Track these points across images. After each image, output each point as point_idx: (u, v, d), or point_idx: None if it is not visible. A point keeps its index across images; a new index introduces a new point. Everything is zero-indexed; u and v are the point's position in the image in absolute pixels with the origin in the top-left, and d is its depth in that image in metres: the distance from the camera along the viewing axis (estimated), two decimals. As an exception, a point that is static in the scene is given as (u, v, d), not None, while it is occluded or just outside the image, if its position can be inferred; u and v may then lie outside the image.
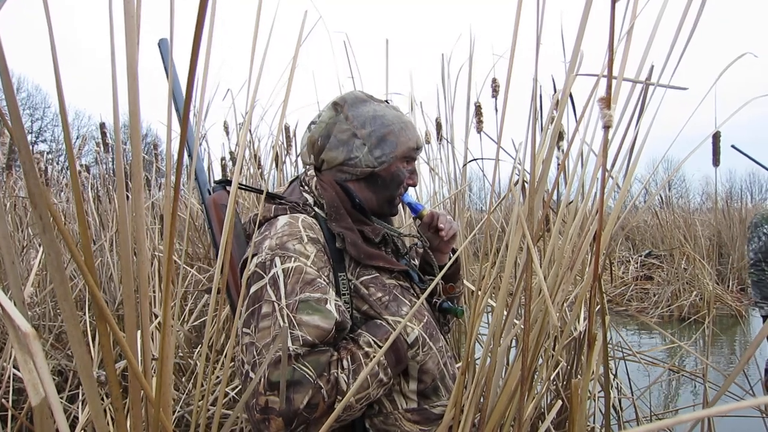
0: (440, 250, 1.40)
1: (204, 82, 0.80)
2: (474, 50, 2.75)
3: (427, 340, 1.12)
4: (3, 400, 1.74)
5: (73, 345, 0.47)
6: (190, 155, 1.29)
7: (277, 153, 3.10)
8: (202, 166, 1.34)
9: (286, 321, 0.96)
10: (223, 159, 3.70)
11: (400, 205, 1.36)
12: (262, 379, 0.91)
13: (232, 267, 1.18)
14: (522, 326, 0.81)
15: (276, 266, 1.03)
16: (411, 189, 1.38)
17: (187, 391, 2.14)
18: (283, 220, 1.12)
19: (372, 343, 1.03)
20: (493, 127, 2.77)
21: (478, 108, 2.69)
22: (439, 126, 2.98)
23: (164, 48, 1.27)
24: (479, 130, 2.71)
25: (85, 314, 2.65)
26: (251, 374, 0.95)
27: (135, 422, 0.62)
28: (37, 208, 0.40)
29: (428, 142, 3.05)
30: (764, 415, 1.80)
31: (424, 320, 1.15)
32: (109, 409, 1.41)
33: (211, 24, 0.71)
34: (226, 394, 2.09)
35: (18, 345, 0.43)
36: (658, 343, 4.70)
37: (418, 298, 1.22)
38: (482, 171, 2.86)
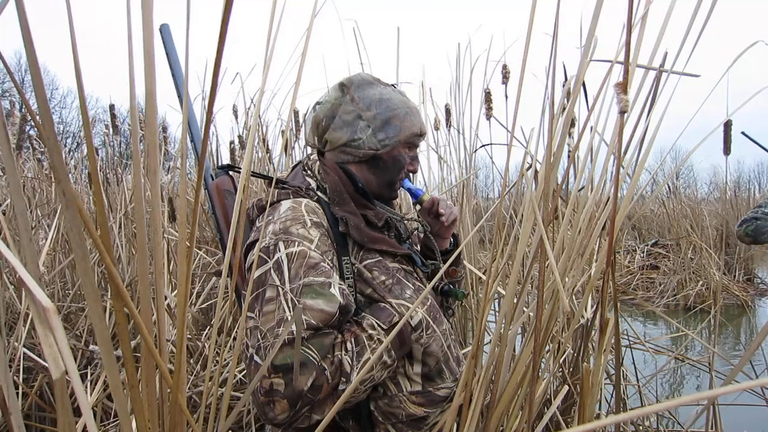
0: (441, 235, 1.40)
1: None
2: (483, 36, 2.73)
3: (431, 322, 1.12)
4: (14, 378, 1.77)
5: (93, 319, 0.48)
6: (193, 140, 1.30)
7: (286, 138, 3.10)
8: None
9: (290, 305, 0.96)
10: (231, 143, 3.70)
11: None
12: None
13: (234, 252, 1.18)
14: (531, 313, 0.82)
15: (280, 251, 1.03)
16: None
17: (195, 373, 2.16)
18: (286, 204, 1.12)
19: (375, 325, 1.04)
20: (502, 114, 2.76)
21: (488, 95, 2.68)
22: (448, 113, 2.97)
23: (166, 33, 1.26)
24: (488, 116, 2.69)
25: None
26: (255, 358, 0.95)
27: (149, 399, 0.63)
28: (61, 183, 0.41)
29: (437, 129, 3.04)
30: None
31: (428, 303, 1.15)
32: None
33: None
34: (235, 376, 2.12)
35: (38, 319, 0.43)
36: (664, 332, 4.70)
37: (421, 281, 1.23)
38: (491, 158, 2.86)
